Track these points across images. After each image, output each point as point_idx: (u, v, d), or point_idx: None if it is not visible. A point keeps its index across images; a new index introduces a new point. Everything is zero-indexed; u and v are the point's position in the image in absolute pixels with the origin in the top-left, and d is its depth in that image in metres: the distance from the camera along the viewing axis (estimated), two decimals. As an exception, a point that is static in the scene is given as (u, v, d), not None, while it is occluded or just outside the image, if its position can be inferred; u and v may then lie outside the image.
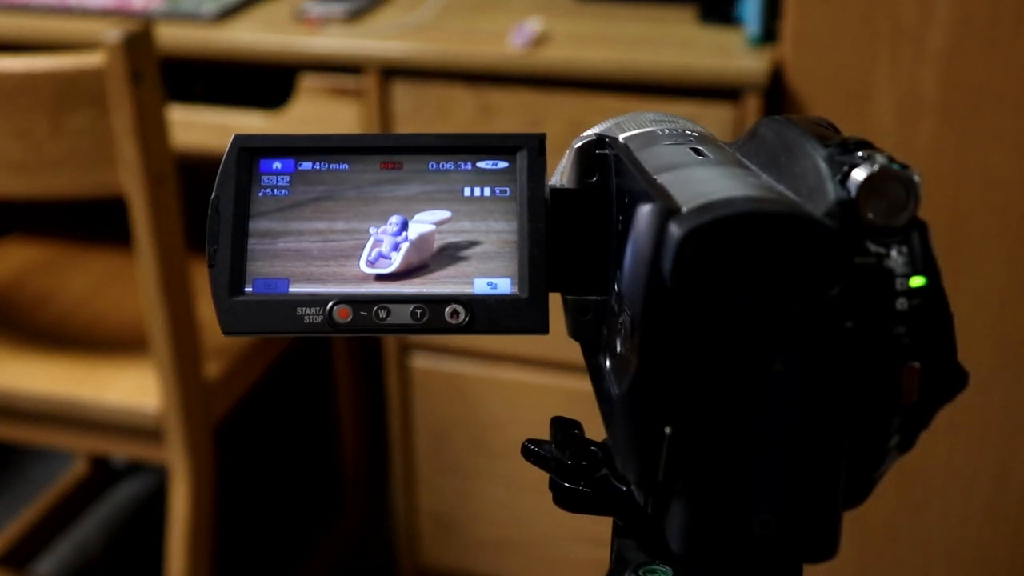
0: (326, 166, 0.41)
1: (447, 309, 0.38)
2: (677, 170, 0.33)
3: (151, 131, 1.08)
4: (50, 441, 1.44)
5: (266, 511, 1.83)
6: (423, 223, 0.40)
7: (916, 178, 0.30)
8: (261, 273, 0.39)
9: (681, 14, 1.39)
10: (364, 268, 0.39)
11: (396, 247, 0.39)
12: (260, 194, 0.40)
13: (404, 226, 0.39)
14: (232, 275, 0.39)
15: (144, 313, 1.17)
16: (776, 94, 1.23)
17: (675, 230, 0.29)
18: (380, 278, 0.39)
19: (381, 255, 0.39)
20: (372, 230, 0.39)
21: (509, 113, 1.29)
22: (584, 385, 0.41)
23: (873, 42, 1.18)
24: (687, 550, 0.33)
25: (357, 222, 0.40)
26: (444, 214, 0.40)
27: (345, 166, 0.41)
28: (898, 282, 0.30)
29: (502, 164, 0.40)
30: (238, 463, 1.80)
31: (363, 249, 0.39)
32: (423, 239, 0.39)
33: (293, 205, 0.40)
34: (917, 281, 0.31)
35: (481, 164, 0.40)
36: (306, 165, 0.41)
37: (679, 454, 0.31)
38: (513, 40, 1.28)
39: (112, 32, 1.03)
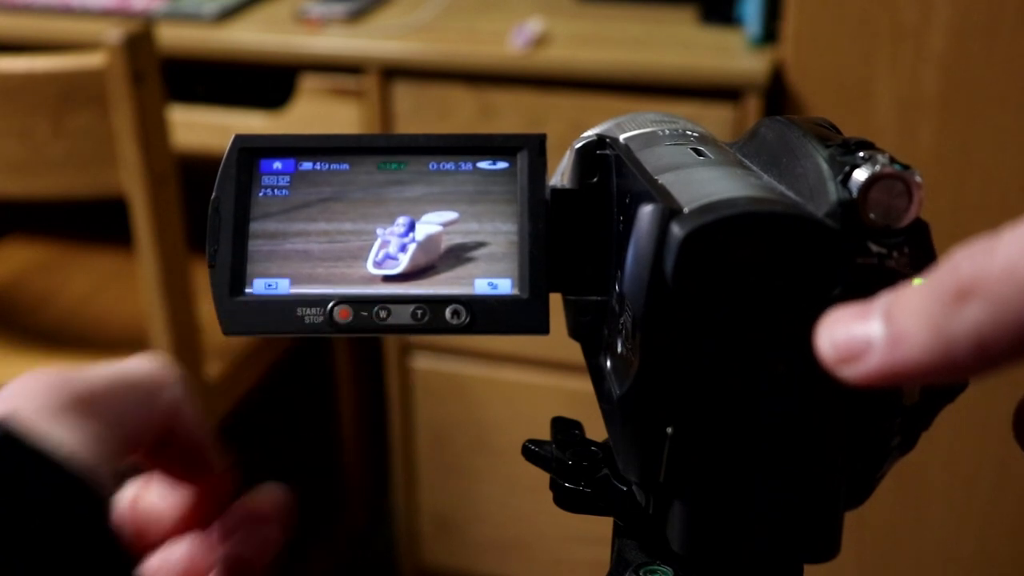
0: (327, 166, 0.41)
1: (448, 309, 0.38)
2: (678, 171, 0.33)
3: (152, 131, 1.08)
4: (51, 441, 1.44)
5: (266, 511, 1.82)
6: (430, 224, 0.40)
7: (918, 179, 0.30)
8: (262, 273, 0.39)
9: (681, 14, 1.39)
10: (371, 269, 0.39)
11: (403, 248, 0.39)
12: (261, 194, 0.40)
13: (411, 227, 0.39)
14: (233, 275, 0.39)
15: (144, 313, 1.17)
16: (776, 94, 1.23)
17: (677, 230, 0.29)
18: (387, 279, 0.39)
19: (388, 256, 0.39)
20: (379, 231, 0.39)
21: (509, 113, 1.29)
22: (584, 385, 0.41)
23: (873, 42, 1.18)
24: (688, 550, 0.33)
25: (363, 223, 0.40)
26: (451, 215, 0.40)
27: (346, 166, 0.41)
28: (899, 283, 0.30)
29: (502, 164, 0.40)
30: (238, 464, 1.80)
31: (370, 250, 0.39)
32: (430, 240, 0.39)
33: (295, 206, 0.40)
34: (919, 282, 0.31)
35: (481, 164, 0.40)
36: (307, 165, 0.41)
37: (680, 454, 0.31)
38: (514, 40, 1.28)
39: (113, 32, 1.03)
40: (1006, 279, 0.20)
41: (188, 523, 0.37)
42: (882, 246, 0.30)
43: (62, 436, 0.28)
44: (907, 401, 0.31)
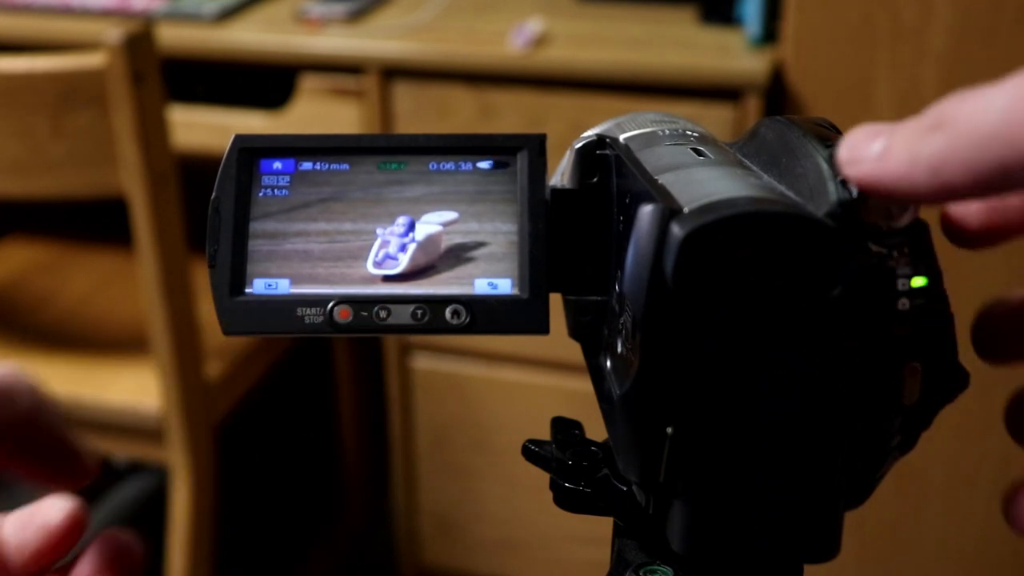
0: (327, 166, 0.41)
1: (448, 309, 0.38)
2: (678, 170, 0.33)
3: (152, 131, 1.08)
4: (51, 441, 1.44)
5: (267, 511, 1.83)
6: (430, 224, 0.40)
7: (917, 179, 0.30)
8: (262, 273, 0.39)
9: (681, 14, 1.39)
10: (371, 269, 0.39)
11: (403, 248, 0.39)
12: (261, 194, 0.40)
13: (411, 227, 0.39)
14: (233, 275, 0.39)
15: (145, 313, 1.17)
16: (776, 94, 1.23)
17: (677, 230, 0.29)
18: (387, 279, 0.39)
19: (388, 256, 0.39)
20: (379, 231, 0.40)
21: (509, 113, 1.29)
22: (584, 385, 0.41)
23: (873, 42, 1.18)
24: (688, 550, 0.33)
25: (363, 223, 0.40)
26: (451, 215, 0.40)
27: (346, 166, 0.41)
28: (899, 282, 0.30)
29: (503, 165, 0.40)
30: (238, 463, 1.80)
31: (370, 250, 0.39)
32: (430, 240, 0.39)
33: (295, 206, 0.40)
34: (918, 281, 0.31)
35: (481, 164, 0.40)
36: (307, 165, 0.41)
37: (680, 454, 0.31)
38: (513, 40, 1.28)
39: (113, 32, 1.03)
40: (968, 121, 0.24)
41: (40, 563, 0.35)
42: (882, 246, 0.30)
43: None
44: (907, 401, 0.31)
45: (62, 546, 0.34)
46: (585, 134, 0.39)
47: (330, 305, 0.38)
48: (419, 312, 0.38)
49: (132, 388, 1.23)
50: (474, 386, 1.43)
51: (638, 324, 0.30)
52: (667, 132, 0.38)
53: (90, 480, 0.34)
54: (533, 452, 0.39)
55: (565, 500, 0.37)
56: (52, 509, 0.34)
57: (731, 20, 1.33)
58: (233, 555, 1.58)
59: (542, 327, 0.38)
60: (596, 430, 0.38)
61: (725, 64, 1.23)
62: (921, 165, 0.25)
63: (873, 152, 0.26)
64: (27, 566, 0.34)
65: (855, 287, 0.29)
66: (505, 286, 0.39)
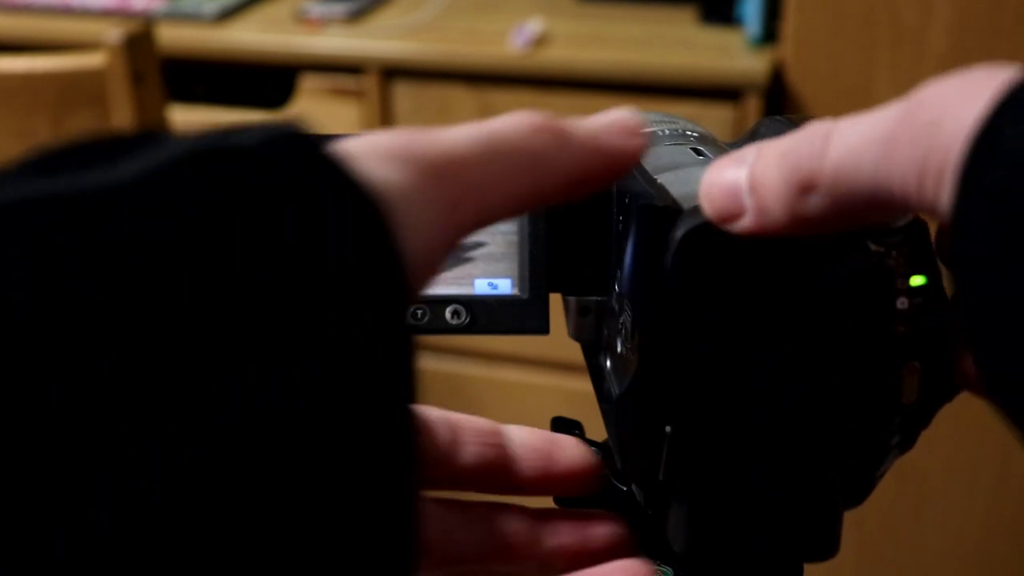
0: (327, 166, 0.41)
1: (448, 309, 0.38)
2: (678, 170, 0.33)
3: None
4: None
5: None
6: None
7: (916, 178, 0.30)
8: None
9: (681, 14, 1.39)
10: None
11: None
12: (261, 194, 0.40)
13: None
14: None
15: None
16: (776, 94, 1.23)
17: (676, 230, 0.29)
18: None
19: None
20: None
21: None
22: (584, 385, 0.41)
23: (873, 42, 1.18)
24: (688, 550, 0.33)
25: None
26: None
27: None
28: (898, 281, 0.30)
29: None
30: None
31: None
32: None
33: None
34: (918, 280, 0.31)
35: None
36: (307, 165, 0.41)
37: (680, 454, 0.31)
38: (514, 40, 1.29)
39: (113, 32, 1.03)
40: (835, 180, 0.26)
41: (538, 488, 0.35)
42: (881, 245, 0.30)
43: (388, 177, 0.22)
44: (906, 400, 0.31)
45: (568, 486, 0.34)
46: (585, 134, 0.39)
47: (330, 305, 0.38)
48: (419, 312, 0.38)
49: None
50: (474, 386, 1.43)
51: (637, 324, 0.30)
52: (667, 132, 0.38)
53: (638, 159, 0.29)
54: (533, 452, 0.39)
55: (565, 500, 0.38)
56: (574, 451, 0.34)
57: (731, 20, 1.33)
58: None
59: (542, 327, 0.38)
60: (596, 430, 0.38)
61: (725, 64, 1.23)
62: (811, 219, 0.27)
63: (746, 208, 0.28)
64: (528, 482, 0.35)
65: (854, 286, 0.29)
66: (505, 286, 0.39)
